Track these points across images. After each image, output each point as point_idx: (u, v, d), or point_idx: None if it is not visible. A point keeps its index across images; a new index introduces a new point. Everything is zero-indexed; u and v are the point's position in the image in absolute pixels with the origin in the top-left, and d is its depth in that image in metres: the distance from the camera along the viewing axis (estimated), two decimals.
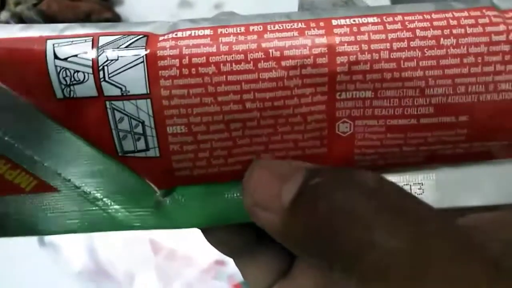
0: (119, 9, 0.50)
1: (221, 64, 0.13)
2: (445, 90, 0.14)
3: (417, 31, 0.14)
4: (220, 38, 0.14)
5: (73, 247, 0.37)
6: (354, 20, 0.14)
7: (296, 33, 0.14)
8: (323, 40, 0.14)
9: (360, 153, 0.15)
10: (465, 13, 0.14)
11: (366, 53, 0.14)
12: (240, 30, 0.14)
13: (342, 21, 0.14)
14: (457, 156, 0.15)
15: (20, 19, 0.42)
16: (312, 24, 0.14)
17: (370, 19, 0.14)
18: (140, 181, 0.15)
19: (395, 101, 0.14)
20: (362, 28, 0.14)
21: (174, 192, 0.15)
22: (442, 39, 0.14)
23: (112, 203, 0.15)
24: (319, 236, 0.12)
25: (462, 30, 0.14)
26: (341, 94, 0.14)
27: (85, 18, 0.43)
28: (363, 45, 0.14)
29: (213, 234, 0.17)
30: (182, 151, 0.14)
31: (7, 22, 0.41)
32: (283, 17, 0.14)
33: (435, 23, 0.14)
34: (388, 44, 0.14)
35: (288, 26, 0.14)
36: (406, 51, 0.14)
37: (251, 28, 0.14)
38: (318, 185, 0.13)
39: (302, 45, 0.14)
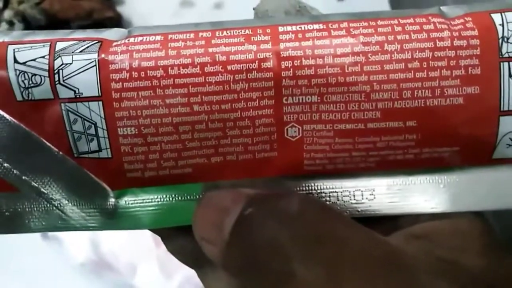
0: (121, 8, 0.51)
1: (169, 68, 0.14)
2: (391, 94, 0.14)
3: (361, 37, 0.14)
4: (169, 44, 0.14)
5: (75, 239, 0.37)
6: (300, 27, 0.14)
7: (242, 39, 0.14)
8: (268, 45, 0.14)
9: (310, 158, 0.15)
10: (411, 20, 0.14)
11: (310, 58, 0.14)
12: (189, 36, 0.14)
13: (288, 28, 0.14)
14: (408, 162, 0.15)
15: (23, 18, 0.43)
16: (259, 31, 0.14)
17: (316, 26, 0.14)
18: (94, 182, 0.15)
19: (342, 106, 0.14)
20: (307, 35, 0.14)
21: (127, 193, 0.15)
22: (386, 44, 0.14)
23: (68, 203, 0.15)
24: (249, 268, 0.13)
25: (407, 36, 0.14)
26: (287, 99, 0.14)
27: (87, 16, 0.44)
28: (307, 50, 0.14)
29: (172, 242, 0.17)
30: (133, 153, 0.15)
31: (10, 21, 0.42)
32: (233, 24, 0.15)
33: (379, 29, 0.14)
34: (332, 50, 0.14)
35: (235, 32, 0.14)
36: (350, 56, 0.14)
37: (200, 34, 0.14)
38: (248, 216, 0.13)
39: (248, 50, 0.14)
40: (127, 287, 0.36)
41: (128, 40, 0.14)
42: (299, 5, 0.16)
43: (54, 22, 0.44)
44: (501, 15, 0.14)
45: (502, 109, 0.14)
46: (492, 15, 0.14)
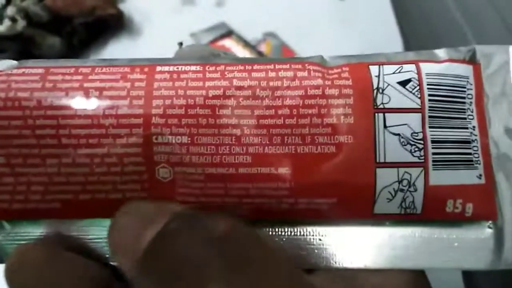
0: (123, 6, 0.52)
1: (42, 99, 0.14)
2: (261, 140, 0.14)
3: (234, 80, 0.14)
4: (48, 77, 0.14)
5: None
6: (177, 68, 0.14)
7: (118, 76, 0.14)
8: (142, 84, 0.14)
9: (182, 201, 0.14)
10: (287, 66, 0.14)
11: (182, 98, 0.14)
12: (69, 71, 0.15)
13: (166, 68, 0.14)
14: (284, 212, 0.14)
15: (26, 14, 0.43)
16: (137, 69, 0.14)
17: (193, 67, 0.14)
18: None
19: (212, 149, 0.14)
20: (182, 75, 0.14)
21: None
22: (258, 90, 0.14)
23: None
24: (167, 285, 0.12)
25: (279, 83, 0.14)
26: (157, 138, 0.14)
27: (89, 13, 0.45)
28: (179, 90, 0.14)
29: None
30: (1, 183, 0.14)
31: (13, 17, 0.43)
32: (116, 62, 0.15)
33: (253, 74, 0.14)
34: (204, 91, 0.14)
35: (114, 70, 0.15)
36: (222, 99, 0.14)
37: (80, 69, 0.15)
38: (172, 231, 0.13)
39: (121, 87, 0.14)
40: None
41: (11, 71, 0.15)
42: (212, 55, 0.17)
43: (56, 18, 0.45)
44: (379, 67, 0.14)
45: (378, 160, 0.14)
46: (370, 67, 0.14)
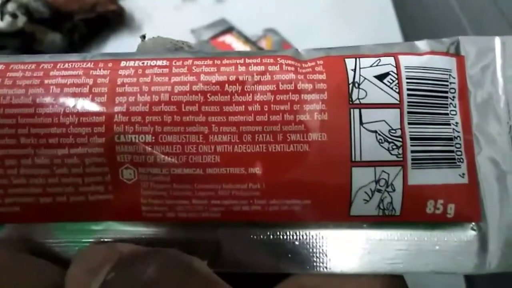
0: (124, 2, 0.52)
1: (1, 97, 0.13)
2: (230, 138, 0.13)
3: (202, 75, 0.13)
4: (8, 73, 0.14)
5: None
6: (142, 62, 0.14)
7: (81, 72, 0.14)
8: (105, 80, 0.13)
9: (147, 204, 0.14)
10: (257, 60, 0.14)
11: (146, 94, 0.13)
12: (30, 67, 0.14)
13: (131, 63, 0.14)
14: (256, 213, 0.13)
15: (27, 10, 0.43)
16: (101, 65, 0.14)
17: (159, 62, 0.14)
18: None
19: (178, 148, 0.13)
20: (147, 71, 0.14)
21: None
22: (227, 85, 0.13)
23: None
24: None
25: (249, 77, 0.13)
26: (119, 137, 0.13)
27: (90, 10, 0.45)
28: (144, 86, 0.13)
29: None
30: None
31: (14, 13, 0.42)
32: (79, 57, 0.14)
33: (222, 69, 0.13)
34: (169, 87, 0.13)
35: (77, 65, 0.14)
36: (188, 94, 0.13)
37: (41, 65, 0.14)
38: (109, 282, 0.12)
39: (83, 84, 0.13)
40: None
41: None
42: (175, 48, 0.16)
43: (57, 15, 0.45)
44: (355, 60, 0.13)
45: (353, 159, 0.13)
46: (346, 60, 0.14)
